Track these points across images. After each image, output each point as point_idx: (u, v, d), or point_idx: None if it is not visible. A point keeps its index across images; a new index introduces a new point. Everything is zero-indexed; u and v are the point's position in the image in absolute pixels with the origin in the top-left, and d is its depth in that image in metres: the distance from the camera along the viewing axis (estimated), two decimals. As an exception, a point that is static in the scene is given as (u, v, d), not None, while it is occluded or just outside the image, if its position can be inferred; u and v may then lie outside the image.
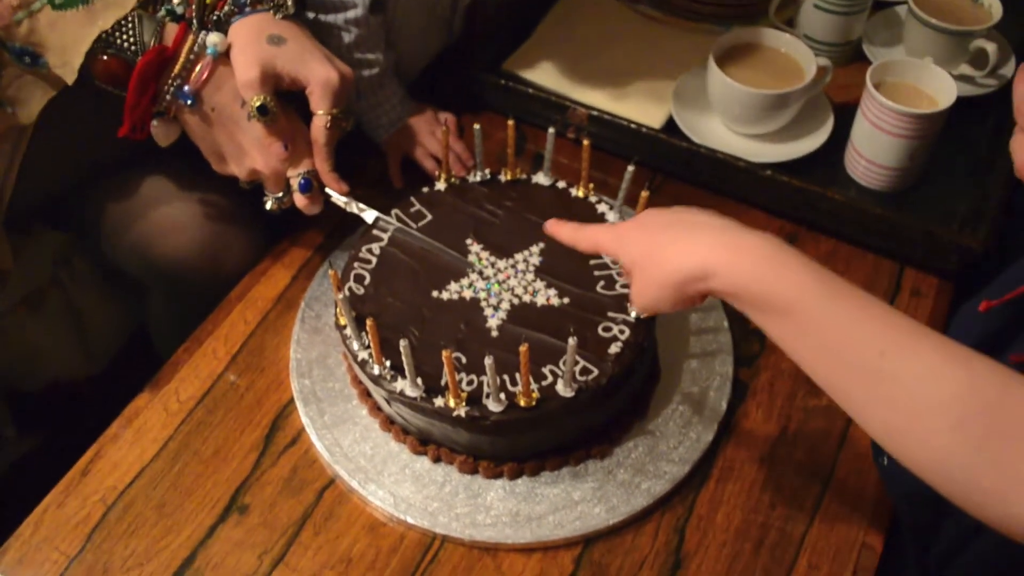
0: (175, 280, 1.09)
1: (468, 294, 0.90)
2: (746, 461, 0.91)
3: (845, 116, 1.10)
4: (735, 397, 0.95)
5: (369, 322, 0.79)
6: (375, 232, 0.95)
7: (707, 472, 0.90)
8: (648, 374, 0.94)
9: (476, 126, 0.96)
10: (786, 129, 1.11)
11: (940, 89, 1.04)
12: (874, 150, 1.04)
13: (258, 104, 0.90)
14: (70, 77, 0.88)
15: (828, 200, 1.05)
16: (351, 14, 1.03)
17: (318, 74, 0.91)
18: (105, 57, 0.88)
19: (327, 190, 0.96)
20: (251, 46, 0.91)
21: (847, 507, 0.88)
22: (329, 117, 0.93)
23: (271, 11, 0.93)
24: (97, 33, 0.87)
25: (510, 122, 0.95)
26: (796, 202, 1.08)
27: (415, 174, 1.14)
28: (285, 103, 0.93)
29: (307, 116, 0.95)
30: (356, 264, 0.92)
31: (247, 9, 0.92)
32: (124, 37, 0.88)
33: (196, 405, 0.94)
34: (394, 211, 0.96)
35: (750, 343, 0.99)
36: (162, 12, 0.92)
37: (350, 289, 0.90)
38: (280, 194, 0.96)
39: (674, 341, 0.97)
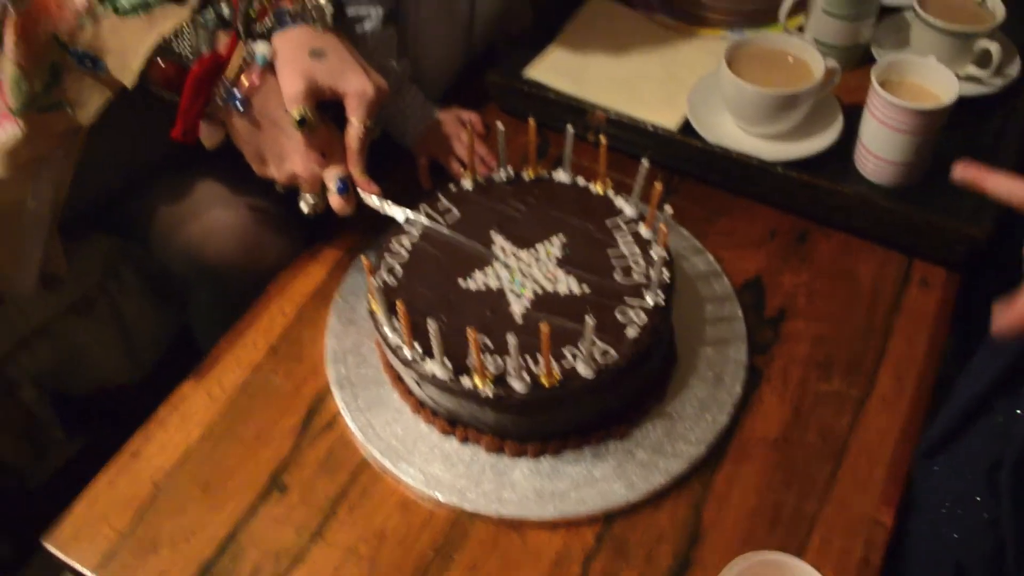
0: (219, 279, 1.15)
1: (493, 283, 0.95)
2: (760, 443, 0.95)
3: (855, 116, 1.14)
4: (749, 382, 0.99)
5: (399, 304, 0.85)
6: (405, 227, 1.00)
7: (723, 453, 0.94)
8: (665, 359, 0.98)
9: (499, 125, 1.02)
10: (798, 129, 1.15)
11: (943, 86, 1.08)
12: (881, 146, 1.09)
13: (298, 117, 0.96)
14: (129, 80, 0.94)
15: (838, 195, 1.10)
16: (366, 26, 1.10)
17: (355, 86, 0.98)
18: (162, 62, 0.94)
19: (360, 192, 1.02)
20: (295, 60, 0.97)
21: (859, 485, 0.92)
22: (362, 126, 0.99)
23: (311, 23, 0.99)
24: (157, 39, 0.93)
25: (531, 122, 1.01)
26: (808, 198, 1.12)
27: (442, 175, 1.20)
28: (322, 112, 0.99)
29: (341, 119, 1.01)
30: (387, 256, 0.98)
31: (288, 22, 0.98)
32: (181, 43, 0.94)
33: (238, 392, 1.00)
34: (423, 207, 1.02)
35: (763, 331, 1.04)
36: (210, 13, 0.98)
37: (382, 279, 0.95)
38: (317, 199, 1.02)
39: (690, 329, 1.02)
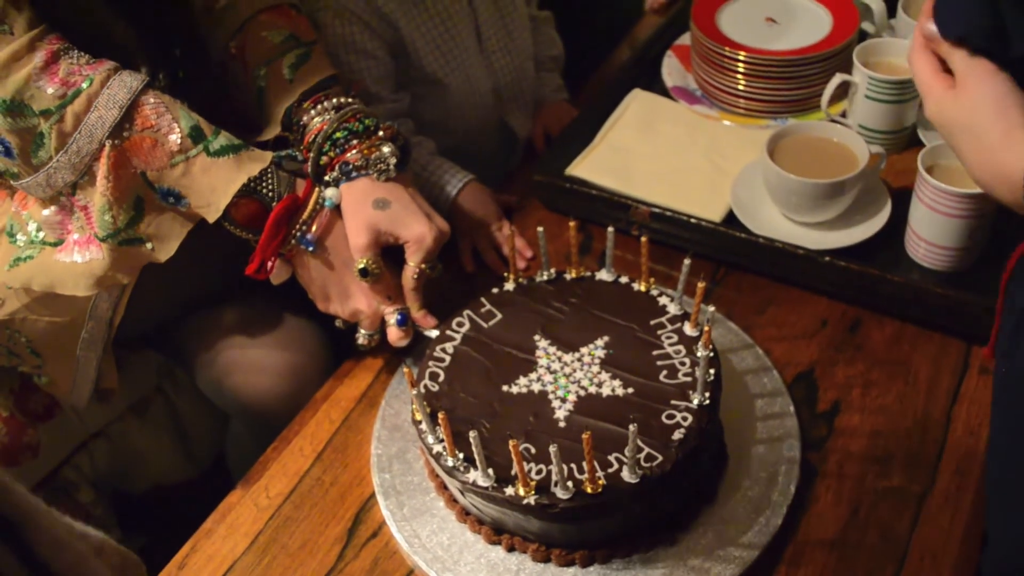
0: (254, 414, 1.19)
1: (536, 387, 0.94)
2: (817, 545, 0.92)
3: (904, 201, 1.12)
4: (804, 481, 0.96)
5: (441, 415, 0.84)
6: (448, 333, 1.01)
7: (778, 556, 0.91)
8: (715, 460, 0.96)
9: (539, 229, 1.02)
10: (845, 216, 1.14)
11: (993, 170, 1.05)
12: (932, 232, 1.06)
13: (361, 267, 1.01)
14: (213, 216, 0.99)
15: (889, 283, 1.08)
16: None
17: (415, 233, 1.03)
18: (243, 201, 0.99)
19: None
20: (360, 211, 1.02)
21: (923, 589, 0.88)
22: (418, 269, 1.03)
23: (375, 175, 1.04)
24: (245, 179, 0.98)
25: (572, 223, 1.01)
26: (858, 287, 1.10)
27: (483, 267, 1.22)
28: (385, 255, 1.04)
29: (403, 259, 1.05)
30: (431, 363, 0.98)
31: (352, 174, 1.04)
32: (265, 185, 0.99)
33: (284, 501, 1.00)
34: (466, 312, 1.02)
35: (817, 427, 1.01)
36: (284, 153, 1.04)
37: (425, 386, 0.95)
38: (373, 332, 1.07)
39: (740, 427, 1.00)
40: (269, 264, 1.01)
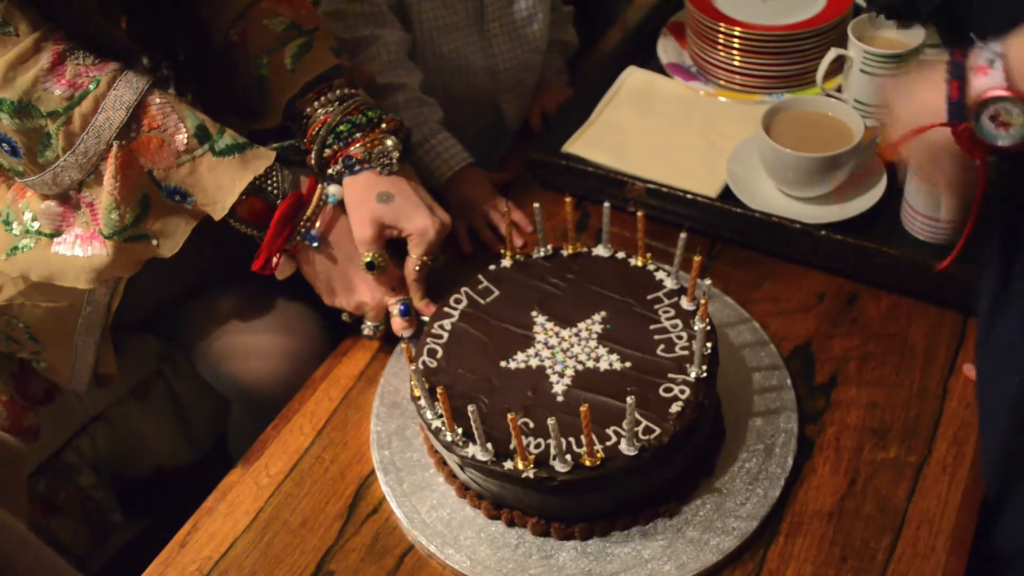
0: (253, 398, 1.19)
1: (534, 363, 0.95)
2: (815, 516, 0.92)
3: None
4: (801, 453, 0.97)
5: (440, 390, 0.85)
6: (446, 310, 1.01)
7: (776, 527, 0.92)
8: (712, 433, 0.96)
9: (536, 205, 1.02)
10: (840, 190, 1.14)
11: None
12: (927, 204, 1.07)
13: (367, 260, 1.03)
14: (219, 214, 1.00)
15: (885, 256, 1.08)
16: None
17: (418, 226, 1.04)
18: (248, 199, 1.00)
19: None
20: (364, 204, 1.03)
21: (919, 558, 0.88)
22: (419, 260, 1.04)
23: (378, 168, 1.04)
24: (251, 178, 0.99)
25: (568, 199, 1.01)
26: (854, 260, 1.10)
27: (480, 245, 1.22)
28: (389, 248, 1.06)
29: (404, 250, 1.07)
30: (429, 339, 0.98)
31: (356, 168, 1.04)
32: (270, 183, 1.01)
33: (284, 478, 1.00)
34: (463, 289, 1.02)
35: (815, 399, 1.01)
36: (286, 143, 1.06)
37: (423, 362, 0.96)
38: (379, 323, 1.09)
39: (738, 401, 1.00)
40: (274, 260, 1.03)
